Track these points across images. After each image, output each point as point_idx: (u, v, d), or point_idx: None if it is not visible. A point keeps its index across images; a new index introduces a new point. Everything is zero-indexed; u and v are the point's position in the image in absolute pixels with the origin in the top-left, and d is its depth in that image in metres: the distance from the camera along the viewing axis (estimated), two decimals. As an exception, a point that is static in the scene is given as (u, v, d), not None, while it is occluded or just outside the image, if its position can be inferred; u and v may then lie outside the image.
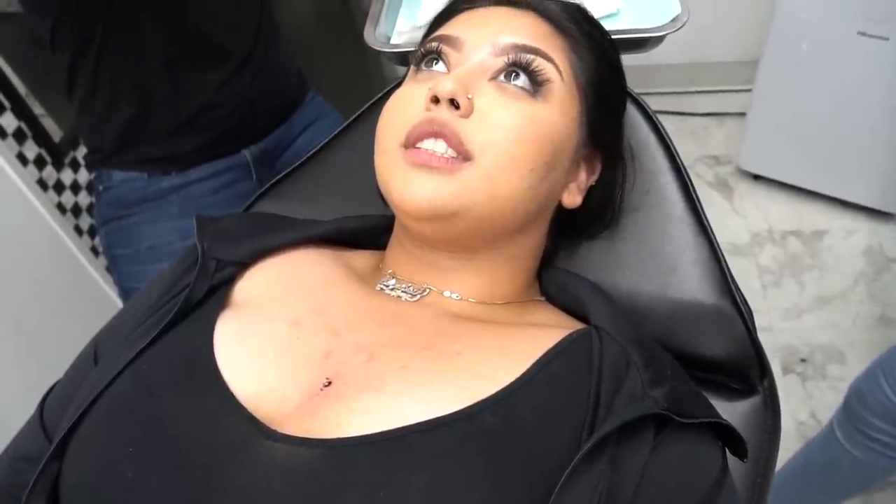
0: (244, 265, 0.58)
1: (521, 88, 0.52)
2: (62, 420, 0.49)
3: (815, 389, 1.59)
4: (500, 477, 0.41)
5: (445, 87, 0.50)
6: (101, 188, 1.01)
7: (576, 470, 0.40)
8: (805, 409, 1.56)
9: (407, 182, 0.50)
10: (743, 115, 2.01)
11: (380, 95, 0.75)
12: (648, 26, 0.73)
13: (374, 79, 1.94)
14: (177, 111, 0.96)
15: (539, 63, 0.53)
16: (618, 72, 0.61)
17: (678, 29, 0.72)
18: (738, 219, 1.95)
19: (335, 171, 0.74)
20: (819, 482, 1.19)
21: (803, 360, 1.64)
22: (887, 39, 1.58)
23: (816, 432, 1.24)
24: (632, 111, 0.68)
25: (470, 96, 0.51)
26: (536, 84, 0.53)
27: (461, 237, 0.54)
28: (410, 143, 0.51)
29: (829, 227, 1.90)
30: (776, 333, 1.68)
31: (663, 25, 0.72)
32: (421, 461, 0.41)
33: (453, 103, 0.50)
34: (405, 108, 0.53)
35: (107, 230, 1.02)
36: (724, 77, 2.26)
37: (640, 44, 0.73)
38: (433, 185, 0.49)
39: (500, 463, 0.41)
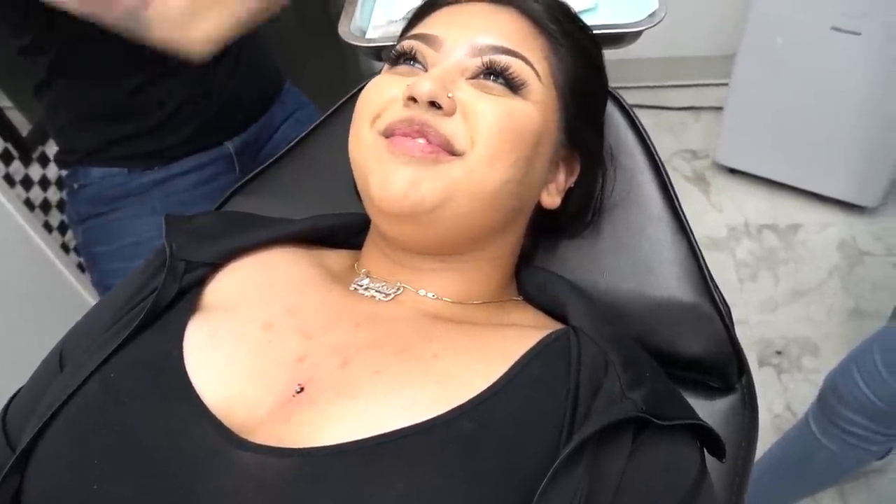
0: (215, 266, 0.56)
1: (500, 84, 0.52)
2: (25, 428, 0.48)
3: (791, 382, 1.61)
4: (479, 483, 0.40)
5: (424, 88, 0.49)
6: (76, 185, 0.98)
7: (556, 474, 0.40)
8: (781, 401, 1.57)
9: (387, 173, 0.49)
10: (720, 109, 2.02)
11: (355, 90, 0.74)
12: (626, 21, 0.72)
13: (350, 74, 1.92)
14: (158, 110, 0.94)
15: (515, 67, 0.52)
16: (599, 72, 0.60)
17: (656, 24, 0.71)
18: (715, 213, 1.97)
19: (311, 168, 0.73)
20: (794, 475, 1.21)
21: (779, 353, 1.66)
22: (860, 34, 1.59)
23: (792, 424, 1.26)
24: (610, 107, 0.67)
25: (450, 95, 0.50)
26: (513, 87, 0.52)
27: (438, 239, 0.53)
28: (388, 134, 0.50)
29: (804, 220, 1.92)
30: (752, 326, 1.69)
31: (641, 21, 0.71)
32: (397, 470, 0.40)
33: (434, 104, 0.49)
34: (382, 93, 0.52)
35: (84, 228, 0.99)
36: (701, 71, 2.27)
37: (617, 39, 0.72)
38: (413, 175, 0.48)
39: (478, 469, 0.40)
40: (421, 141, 0.49)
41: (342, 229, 0.64)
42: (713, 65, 2.21)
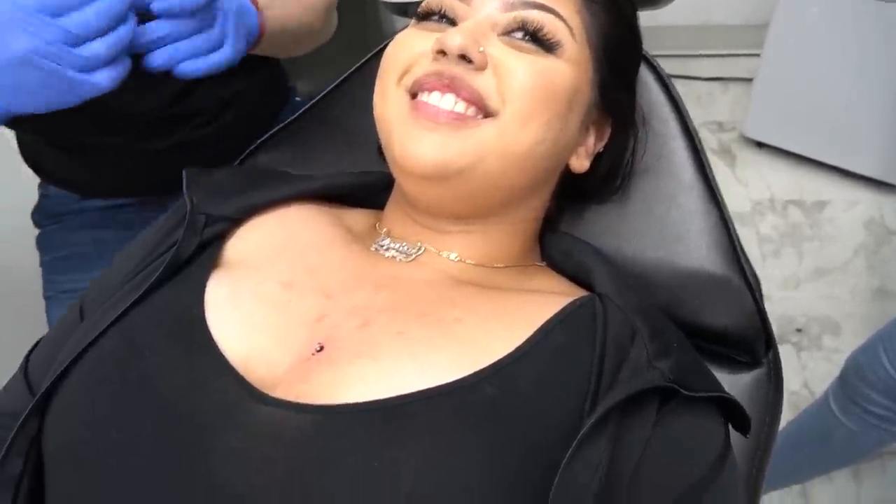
0: (235, 221, 0.55)
1: (532, 44, 0.50)
2: (45, 377, 0.48)
3: (810, 360, 1.59)
4: (499, 449, 0.39)
5: (455, 42, 0.47)
6: (41, 192, 0.94)
7: (581, 444, 0.39)
8: (798, 379, 1.56)
9: (412, 138, 0.48)
10: (749, 80, 1.96)
11: (380, 47, 0.72)
12: (663, -19, 0.69)
13: (372, 36, 1.90)
14: (114, 162, 0.85)
15: (549, 25, 0.50)
16: (633, 32, 0.58)
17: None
18: (740, 187, 1.93)
19: (333, 126, 0.71)
20: (811, 453, 1.20)
21: (799, 331, 1.63)
22: (902, 5, 1.54)
23: (809, 403, 1.24)
24: (643, 72, 0.65)
25: (482, 49, 0.48)
26: (547, 47, 0.50)
27: (465, 201, 0.52)
28: (416, 90, 0.48)
29: (832, 197, 1.88)
30: (773, 303, 1.67)
31: (679, -19, 0.68)
32: (417, 432, 0.39)
33: (464, 58, 0.48)
34: (410, 48, 0.51)
35: (38, 236, 0.95)
36: (731, 41, 2.21)
37: (651, 1, 0.70)
38: (439, 144, 0.47)
39: (498, 435, 0.40)
40: (449, 97, 0.47)
41: (364, 188, 0.63)
42: (744, 34, 2.15)
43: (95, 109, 0.58)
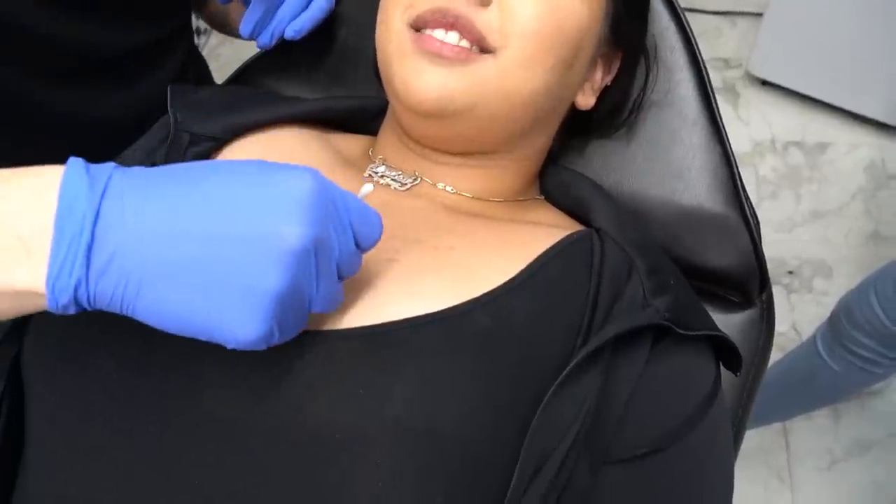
0: (221, 142, 0.53)
1: None
2: None
3: (799, 302, 1.60)
4: (490, 379, 0.39)
5: None
6: None
7: (568, 377, 0.39)
8: (787, 321, 1.57)
9: (414, 71, 0.46)
10: (758, 15, 1.90)
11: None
12: None
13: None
14: None
15: None
16: None
17: None
18: (742, 126, 1.89)
19: (325, 45, 0.68)
20: (794, 392, 1.22)
21: (790, 273, 1.64)
22: (924, -60, 1.48)
23: (796, 345, 1.26)
24: (653, -2, 0.62)
25: None
26: None
27: (464, 139, 0.50)
28: (420, 25, 0.46)
29: (834, 139, 1.85)
30: (767, 245, 1.64)
31: None
32: (407, 359, 0.38)
33: None
34: None
35: None
36: (743, -27, 2.14)
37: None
38: (443, 78, 0.45)
39: (489, 364, 0.39)
40: (453, 34, 0.46)
41: (357, 112, 0.61)
42: (757, -33, 2.07)
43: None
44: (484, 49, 0.46)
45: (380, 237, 0.39)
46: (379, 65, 0.51)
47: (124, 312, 0.33)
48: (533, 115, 0.50)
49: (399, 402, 0.37)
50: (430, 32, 0.46)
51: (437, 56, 0.45)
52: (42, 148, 0.60)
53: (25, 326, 0.44)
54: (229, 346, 0.34)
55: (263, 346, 0.34)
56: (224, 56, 1.98)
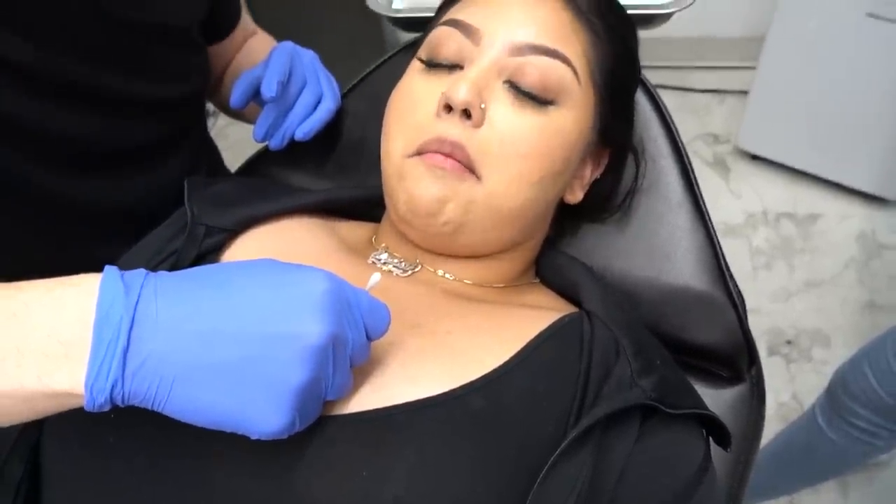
0: (234, 233, 0.56)
1: (535, 98, 0.51)
2: None
3: (799, 372, 1.60)
4: (486, 460, 0.41)
5: (460, 96, 0.49)
6: None
7: (561, 456, 0.40)
8: (788, 390, 1.57)
9: (415, 188, 0.50)
10: (745, 93, 1.98)
11: (379, 63, 0.74)
12: (657, 2, 0.71)
13: (374, 44, 1.92)
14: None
15: (554, 73, 0.51)
16: (633, 61, 0.60)
17: (688, 6, 0.70)
18: (734, 199, 1.95)
19: (330, 139, 0.73)
20: (798, 464, 1.21)
21: (789, 342, 1.65)
22: (896, 23, 1.56)
23: (798, 414, 1.26)
24: (635, 90, 0.66)
25: (483, 106, 0.50)
26: (549, 100, 0.51)
27: (460, 249, 0.54)
28: (421, 151, 0.51)
29: (824, 210, 1.90)
30: (764, 315, 1.69)
31: (673, 2, 0.70)
32: (406, 441, 0.40)
33: (465, 112, 0.50)
34: (416, 108, 0.52)
35: None
36: (728, 53, 2.23)
37: (647, 20, 0.71)
38: (440, 190, 0.50)
39: (486, 446, 0.41)
40: (449, 159, 0.50)
41: (361, 202, 0.65)
42: (741, 47, 2.17)
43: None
44: (472, 172, 0.50)
45: (387, 329, 0.41)
46: (383, 182, 0.55)
47: (155, 409, 0.35)
48: (523, 225, 0.54)
49: (400, 483, 0.39)
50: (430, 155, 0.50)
51: (438, 168, 0.49)
52: (63, 237, 0.64)
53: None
54: (254, 437, 0.36)
55: (286, 436, 0.37)
56: (232, 136, 2.05)
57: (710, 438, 0.51)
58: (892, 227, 1.84)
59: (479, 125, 0.50)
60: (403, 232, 0.55)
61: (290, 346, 0.35)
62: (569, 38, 0.53)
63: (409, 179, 0.51)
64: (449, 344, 0.47)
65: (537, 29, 0.52)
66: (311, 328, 0.35)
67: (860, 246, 1.81)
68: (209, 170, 0.84)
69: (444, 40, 0.53)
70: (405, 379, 0.44)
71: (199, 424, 0.36)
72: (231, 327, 0.35)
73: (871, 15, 1.58)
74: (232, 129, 2.10)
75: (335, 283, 0.38)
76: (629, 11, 0.64)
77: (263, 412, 0.35)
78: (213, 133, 0.98)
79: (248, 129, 0.68)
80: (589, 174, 0.59)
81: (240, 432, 0.36)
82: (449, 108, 0.50)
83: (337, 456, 0.40)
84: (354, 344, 0.39)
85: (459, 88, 0.49)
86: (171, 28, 0.66)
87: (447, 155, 0.50)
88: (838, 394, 1.07)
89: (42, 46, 0.55)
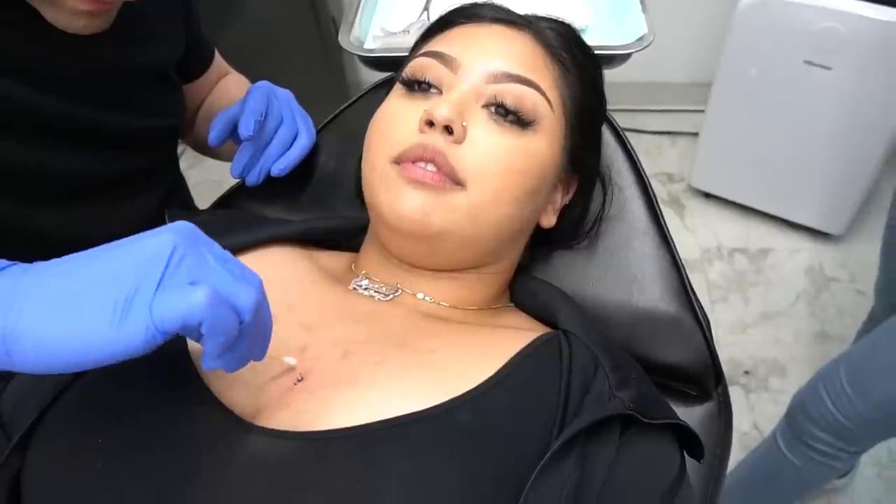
0: None
1: (512, 121, 0.54)
2: (24, 411, 0.48)
3: (758, 401, 1.65)
4: (475, 472, 0.42)
5: (441, 113, 0.51)
6: None
7: (547, 466, 0.42)
8: (748, 420, 1.61)
9: (399, 195, 0.51)
10: (695, 135, 2.08)
11: (354, 100, 0.76)
12: (617, 43, 0.75)
13: (338, 84, 1.96)
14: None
15: (529, 100, 0.54)
16: (600, 96, 0.63)
17: (645, 48, 0.74)
18: (689, 235, 2.02)
19: (307, 172, 0.74)
20: (761, 490, 1.24)
21: (747, 373, 1.70)
22: (831, 69, 1.66)
23: (758, 442, 1.29)
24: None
25: (465, 123, 0.52)
26: (525, 123, 0.54)
27: (441, 258, 0.56)
28: (402, 160, 0.52)
29: (775, 245, 1.98)
30: (722, 347, 1.74)
31: (631, 44, 0.74)
32: (397, 455, 0.41)
33: (447, 129, 0.52)
34: (398, 125, 0.54)
35: None
36: (678, 97, 2.34)
37: (608, 60, 0.76)
38: (423, 199, 0.51)
39: (474, 458, 0.42)
40: (431, 167, 0.51)
41: (339, 232, 0.66)
42: (690, 92, 2.27)
43: None
44: (456, 182, 0.52)
45: (259, 287, 0.40)
46: (365, 195, 0.56)
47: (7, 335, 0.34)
48: (501, 239, 0.56)
49: (393, 496, 0.40)
50: (412, 164, 0.52)
51: (419, 182, 0.51)
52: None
53: (28, 441, 0.45)
54: (104, 357, 0.35)
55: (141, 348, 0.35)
56: (193, 178, 2.03)
57: (684, 452, 0.53)
58: (837, 261, 1.93)
59: (460, 141, 0.52)
60: (386, 242, 0.56)
61: (130, 259, 0.35)
62: (541, 69, 0.56)
63: (393, 192, 0.52)
64: (434, 361, 0.48)
65: (513, 60, 0.55)
66: (150, 241, 0.36)
67: (809, 279, 1.89)
68: (181, 206, 0.85)
69: (423, 70, 0.56)
70: (392, 395, 0.45)
71: (47, 348, 0.34)
72: (81, 264, 0.36)
73: (807, 62, 1.68)
74: (193, 172, 2.09)
75: (183, 231, 0.38)
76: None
77: (99, 321, 0.34)
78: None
79: (207, 170, 0.69)
80: (560, 199, 0.62)
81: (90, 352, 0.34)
82: (430, 123, 0.52)
83: (329, 471, 0.41)
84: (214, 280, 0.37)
85: (441, 106, 0.51)
86: (150, 69, 0.67)
87: (429, 160, 0.51)
88: (798, 418, 1.11)
89: (19, 83, 0.55)
